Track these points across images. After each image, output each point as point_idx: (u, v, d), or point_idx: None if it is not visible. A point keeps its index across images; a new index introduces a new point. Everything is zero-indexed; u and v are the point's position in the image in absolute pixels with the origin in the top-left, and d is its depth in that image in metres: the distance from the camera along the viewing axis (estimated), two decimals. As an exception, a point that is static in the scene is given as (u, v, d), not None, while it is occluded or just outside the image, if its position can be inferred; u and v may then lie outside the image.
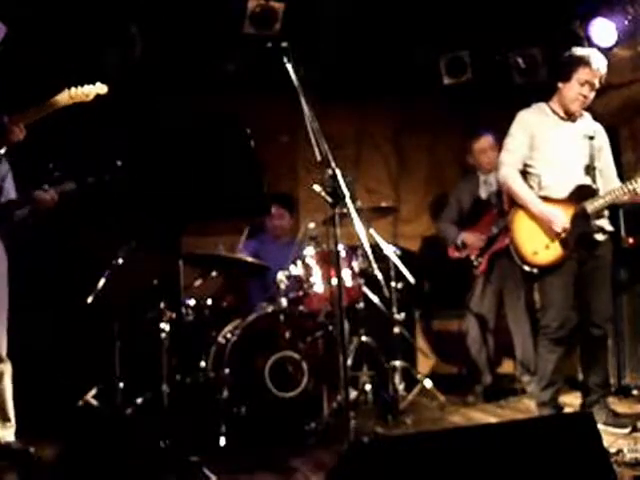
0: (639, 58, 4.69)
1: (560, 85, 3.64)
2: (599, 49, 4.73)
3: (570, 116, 3.67)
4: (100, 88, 3.49)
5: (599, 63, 3.57)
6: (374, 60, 5.23)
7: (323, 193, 2.75)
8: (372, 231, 4.44)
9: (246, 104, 5.21)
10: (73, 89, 3.42)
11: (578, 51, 3.64)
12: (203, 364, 3.99)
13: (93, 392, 4.15)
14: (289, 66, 2.87)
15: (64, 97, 3.40)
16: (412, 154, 6.11)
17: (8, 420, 3.50)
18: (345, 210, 2.76)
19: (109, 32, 4.58)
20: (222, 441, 3.61)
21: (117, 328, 4.15)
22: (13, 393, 3.52)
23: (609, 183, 3.64)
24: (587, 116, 3.75)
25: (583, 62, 3.56)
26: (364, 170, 5.95)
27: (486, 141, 4.79)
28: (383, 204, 4.94)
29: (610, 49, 4.73)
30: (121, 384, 4.06)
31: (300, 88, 2.83)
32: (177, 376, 3.90)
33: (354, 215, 2.76)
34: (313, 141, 2.76)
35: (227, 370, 3.72)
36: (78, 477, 3.34)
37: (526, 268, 3.60)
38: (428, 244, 5.86)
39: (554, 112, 3.68)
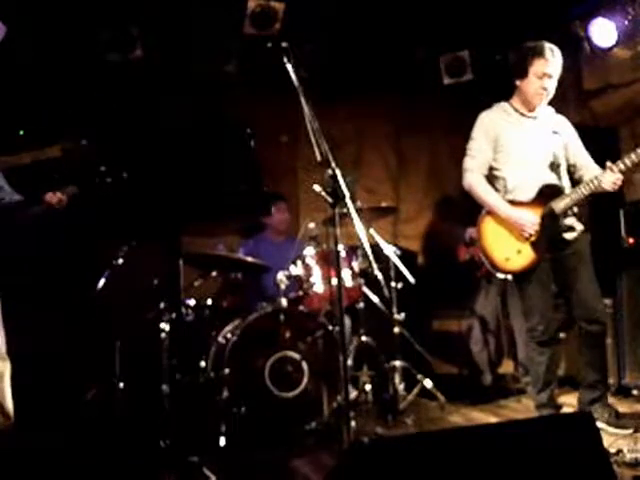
0: (639, 58, 4.69)
1: (518, 82, 3.59)
2: (599, 49, 4.76)
3: (532, 112, 3.60)
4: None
5: (552, 52, 3.48)
6: (374, 60, 5.24)
7: (323, 193, 2.75)
8: (372, 231, 4.44)
9: (246, 104, 5.22)
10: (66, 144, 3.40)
11: (529, 44, 3.54)
12: (203, 364, 3.99)
13: (94, 392, 4.15)
14: (289, 66, 2.87)
15: (54, 149, 3.38)
16: (412, 154, 6.12)
17: (8, 419, 3.50)
18: (345, 210, 2.76)
19: (110, 33, 4.59)
20: (222, 441, 3.61)
21: (117, 328, 4.16)
22: (14, 393, 3.52)
23: (588, 171, 3.56)
24: (549, 110, 3.67)
25: (536, 54, 3.48)
26: (364, 170, 5.96)
27: None
28: (383, 204, 4.94)
29: (610, 49, 4.73)
30: (121, 384, 4.07)
31: (300, 88, 2.83)
32: (177, 376, 3.90)
33: (354, 215, 2.76)
34: (313, 141, 2.76)
35: (227, 370, 3.72)
36: (79, 477, 3.34)
37: (500, 275, 3.56)
38: (428, 244, 5.86)
39: (516, 110, 3.63)
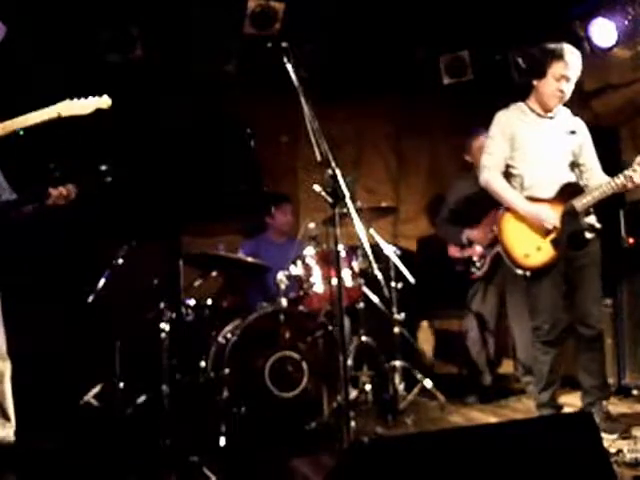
0: (639, 58, 4.69)
1: (535, 82, 3.59)
2: (599, 49, 4.76)
3: (549, 112, 3.61)
4: (104, 102, 3.30)
5: (572, 56, 3.50)
6: (374, 60, 5.23)
7: (323, 193, 2.75)
8: (372, 231, 4.44)
9: (246, 104, 5.22)
10: (75, 100, 3.27)
11: (549, 45, 3.56)
12: (203, 364, 3.99)
13: (94, 392, 4.16)
14: (289, 66, 2.87)
15: (60, 108, 3.24)
16: (412, 154, 6.12)
17: (8, 420, 3.50)
18: (345, 210, 2.76)
19: (110, 33, 4.59)
20: (222, 441, 3.61)
21: (117, 328, 4.16)
22: (13, 393, 3.52)
23: (594, 177, 3.58)
24: (566, 111, 3.68)
25: (556, 56, 3.49)
26: (364, 170, 5.95)
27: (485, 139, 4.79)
28: (383, 204, 4.94)
29: (610, 49, 4.73)
30: (121, 384, 4.07)
31: (300, 88, 2.83)
32: (177, 376, 3.90)
33: (354, 215, 2.76)
34: (313, 141, 2.76)
35: (227, 370, 3.72)
36: (78, 477, 3.34)
37: (519, 272, 3.54)
38: (428, 244, 5.86)
39: (532, 110, 3.63)
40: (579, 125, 3.67)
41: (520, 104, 3.69)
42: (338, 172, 2.72)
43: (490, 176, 3.61)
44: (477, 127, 4.91)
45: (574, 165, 3.59)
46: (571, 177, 3.56)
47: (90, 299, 4.06)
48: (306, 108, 2.80)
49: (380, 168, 6.06)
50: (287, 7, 4.56)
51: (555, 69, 3.50)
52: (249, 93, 5.19)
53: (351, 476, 1.86)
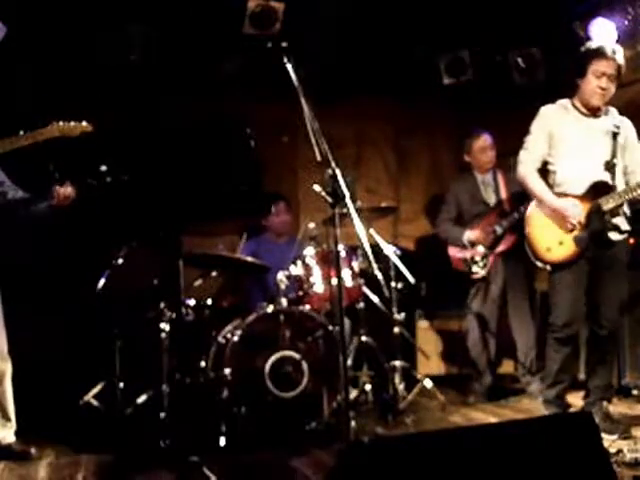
0: (639, 58, 4.68)
1: (578, 81, 3.59)
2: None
3: (594, 112, 3.61)
4: (85, 126, 3.57)
5: (614, 53, 3.51)
6: (374, 60, 5.23)
7: (323, 193, 2.75)
8: (372, 231, 4.44)
9: (246, 104, 5.22)
10: (61, 123, 3.47)
11: (592, 44, 3.59)
12: (203, 364, 3.99)
13: (94, 392, 4.16)
14: (289, 66, 2.87)
15: (51, 130, 3.45)
16: (412, 154, 6.12)
17: (9, 420, 3.51)
18: (345, 210, 2.76)
19: (109, 33, 4.59)
20: (222, 441, 3.61)
21: (117, 328, 4.16)
22: (13, 393, 3.52)
23: (636, 179, 3.55)
24: (613, 111, 3.67)
25: (597, 54, 3.51)
26: (364, 170, 5.96)
27: (486, 140, 4.80)
28: (383, 204, 4.94)
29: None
30: (121, 384, 4.07)
31: (300, 88, 2.83)
32: (177, 376, 3.90)
33: (354, 215, 2.76)
34: (313, 141, 2.76)
35: (227, 370, 3.72)
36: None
37: (539, 264, 3.58)
38: (428, 244, 5.86)
39: (575, 108, 3.64)
40: (625, 126, 3.65)
41: (565, 101, 3.69)
42: (338, 172, 2.72)
43: (526, 171, 3.63)
44: (477, 127, 4.92)
45: (609, 165, 3.54)
46: (604, 176, 3.53)
47: (90, 299, 4.06)
48: (306, 108, 2.80)
49: (380, 168, 6.06)
50: (287, 7, 4.56)
51: (595, 66, 3.51)
52: (249, 93, 5.19)
53: (351, 476, 1.86)
